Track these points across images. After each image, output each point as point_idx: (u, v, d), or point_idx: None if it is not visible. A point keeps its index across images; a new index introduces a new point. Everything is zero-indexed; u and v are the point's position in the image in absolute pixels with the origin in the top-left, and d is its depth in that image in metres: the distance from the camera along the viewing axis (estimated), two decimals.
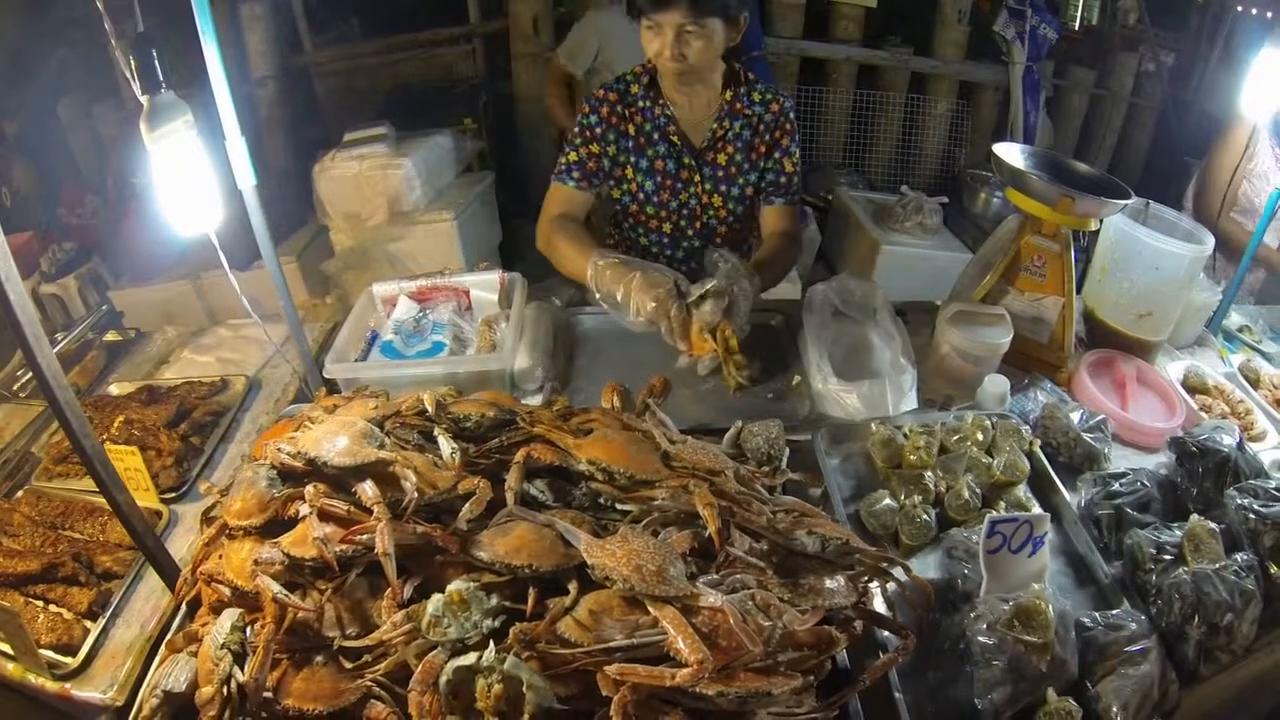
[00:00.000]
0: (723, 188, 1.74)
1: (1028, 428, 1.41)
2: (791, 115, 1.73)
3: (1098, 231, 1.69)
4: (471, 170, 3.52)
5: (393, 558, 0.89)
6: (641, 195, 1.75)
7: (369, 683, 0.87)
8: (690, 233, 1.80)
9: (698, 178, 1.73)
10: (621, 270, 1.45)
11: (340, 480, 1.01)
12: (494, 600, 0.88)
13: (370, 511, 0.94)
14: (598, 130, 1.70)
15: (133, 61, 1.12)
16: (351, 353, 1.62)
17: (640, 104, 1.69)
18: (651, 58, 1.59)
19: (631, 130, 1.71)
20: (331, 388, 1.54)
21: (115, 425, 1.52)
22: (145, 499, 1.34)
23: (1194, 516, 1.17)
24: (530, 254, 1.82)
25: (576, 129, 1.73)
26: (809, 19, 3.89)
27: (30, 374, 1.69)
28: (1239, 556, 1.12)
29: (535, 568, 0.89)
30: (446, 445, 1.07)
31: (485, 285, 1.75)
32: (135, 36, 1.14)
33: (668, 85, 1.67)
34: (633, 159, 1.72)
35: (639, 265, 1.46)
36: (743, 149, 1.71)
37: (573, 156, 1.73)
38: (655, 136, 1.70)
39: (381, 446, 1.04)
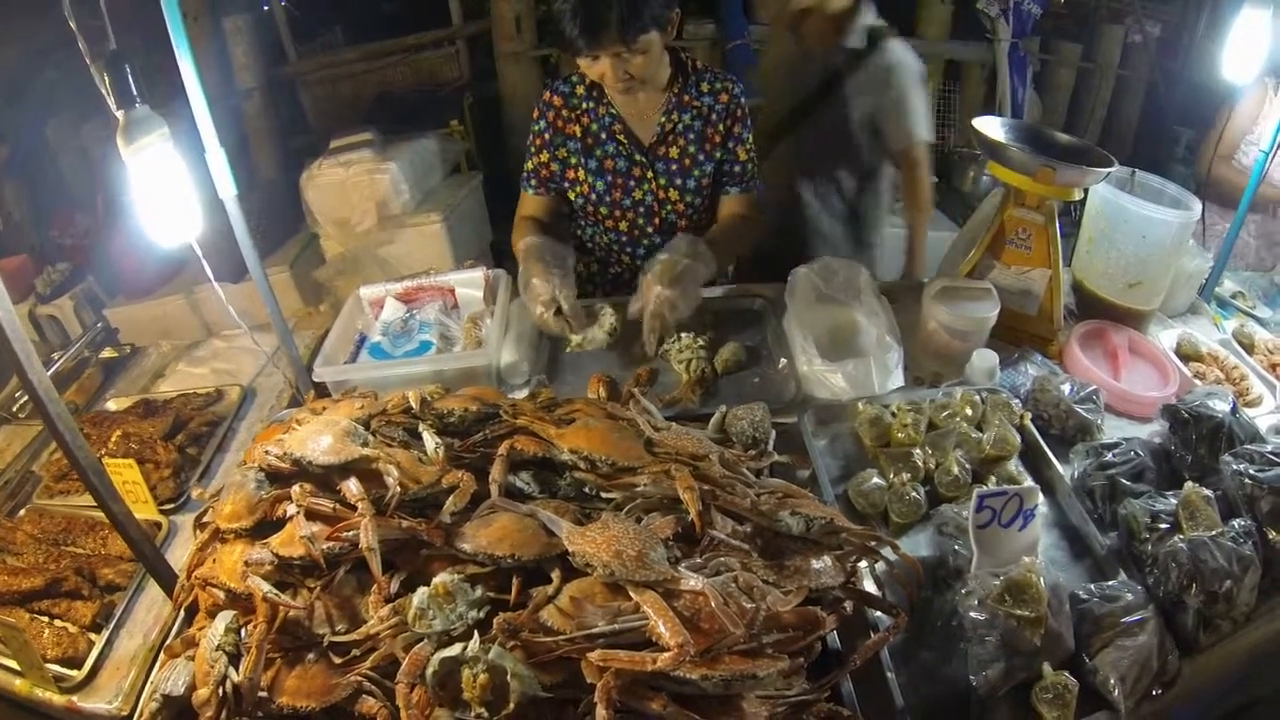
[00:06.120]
0: (678, 181, 1.73)
1: (1018, 401, 1.40)
2: (743, 101, 1.71)
3: (1083, 202, 1.68)
4: (460, 172, 3.53)
5: (378, 552, 0.90)
6: (594, 196, 1.75)
7: (359, 677, 0.88)
8: (650, 229, 1.80)
9: (650, 174, 1.72)
10: (526, 264, 1.58)
11: (326, 479, 1.03)
12: (479, 591, 0.88)
13: (355, 508, 0.95)
14: (547, 136, 1.72)
15: (107, 78, 1.13)
16: (340, 356, 1.64)
17: (585, 105, 1.69)
18: (597, 81, 1.59)
19: (578, 132, 1.71)
20: (322, 392, 1.56)
21: (113, 440, 1.54)
22: (144, 511, 1.36)
23: (1188, 484, 1.16)
24: None
25: (531, 136, 1.75)
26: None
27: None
28: (1236, 523, 1.11)
29: (518, 557, 0.90)
30: (431, 440, 1.08)
31: (470, 283, 1.76)
32: (109, 54, 1.14)
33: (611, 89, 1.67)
34: (582, 160, 1.72)
35: (532, 269, 1.55)
36: (695, 140, 1.70)
37: (530, 165, 1.77)
38: (603, 136, 1.70)
39: (365, 444, 1.05)
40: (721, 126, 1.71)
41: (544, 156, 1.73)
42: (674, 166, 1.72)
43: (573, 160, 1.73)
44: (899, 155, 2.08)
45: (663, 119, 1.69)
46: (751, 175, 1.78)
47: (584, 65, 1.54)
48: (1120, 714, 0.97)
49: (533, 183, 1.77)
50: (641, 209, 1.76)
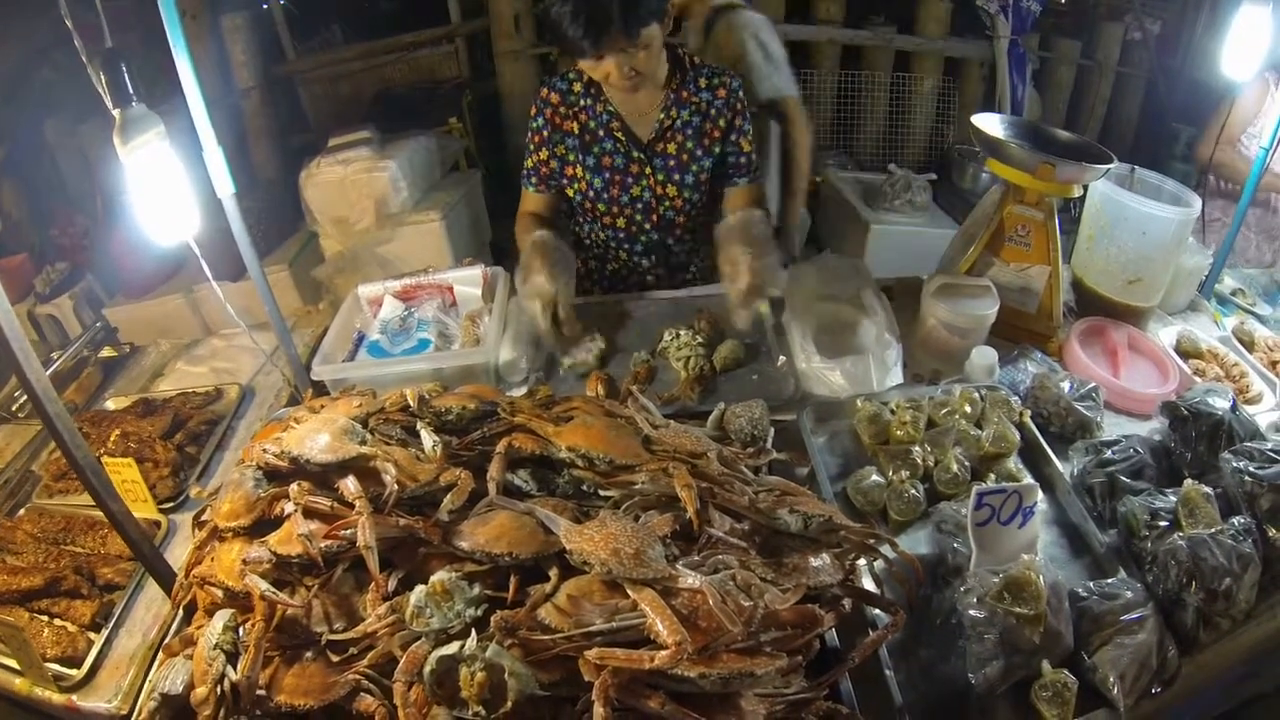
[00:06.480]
0: (676, 177, 1.73)
1: (1017, 399, 1.40)
2: (741, 94, 1.71)
3: (1083, 199, 1.67)
4: (459, 170, 3.53)
5: (375, 550, 0.90)
6: (591, 193, 1.75)
7: (357, 676, 0.88)
8: (648, 226, 1.80)
9: (649, 170, 1.72)
10: (529, 258, 1.59)
11: (324, 477, 1.03)
12: (476, 589, 0.88)
13: (353, 506, 0.95)
14: (545, 133, 1.71)
15: (103, 76, 1.13)
16: (339, 354, 1.64)
17: (583, 102, 1.69)
18: (602, 81, 1.59)
19: (576, 129, 1.70)
20: (321, 390, 1.56)
21: (112, 439, 1.54)
22: (143, 510, 1.36)
23: (1188, 481, 1.16)
24: None
25: (530, 133, 1.75)
26: (791, 2, 3.86)
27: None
28: (1236, 520, 1.10)
29: (515, 555, 0.90)
30: (428, 438, 1.08)
31: (469, 281, 1.76)
32: (105, 52, 1.14)
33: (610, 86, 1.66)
34: (580, 157, 1.72)
35: (534, 264, 1.56)
36: (694, 136, 1.70)
37: (530, 163, 1.77)
38: (601, 134, 1.70)
39: (363, 442, 1.05)
40: (722, 121, 1.70)
41: (543, 154, 1.74)
42: (672, 163, 1.72)
43: (570, 157, 1.73)
44: (771, 110, 2.19)
45: (661, 115, 1.68)
46: (756, 166, 1.78)
47: (587, 67, 1.54)
48: (1120, 712, 0.97)
49: (533, 180, 1.78)
50: (639, 205, 1.77)
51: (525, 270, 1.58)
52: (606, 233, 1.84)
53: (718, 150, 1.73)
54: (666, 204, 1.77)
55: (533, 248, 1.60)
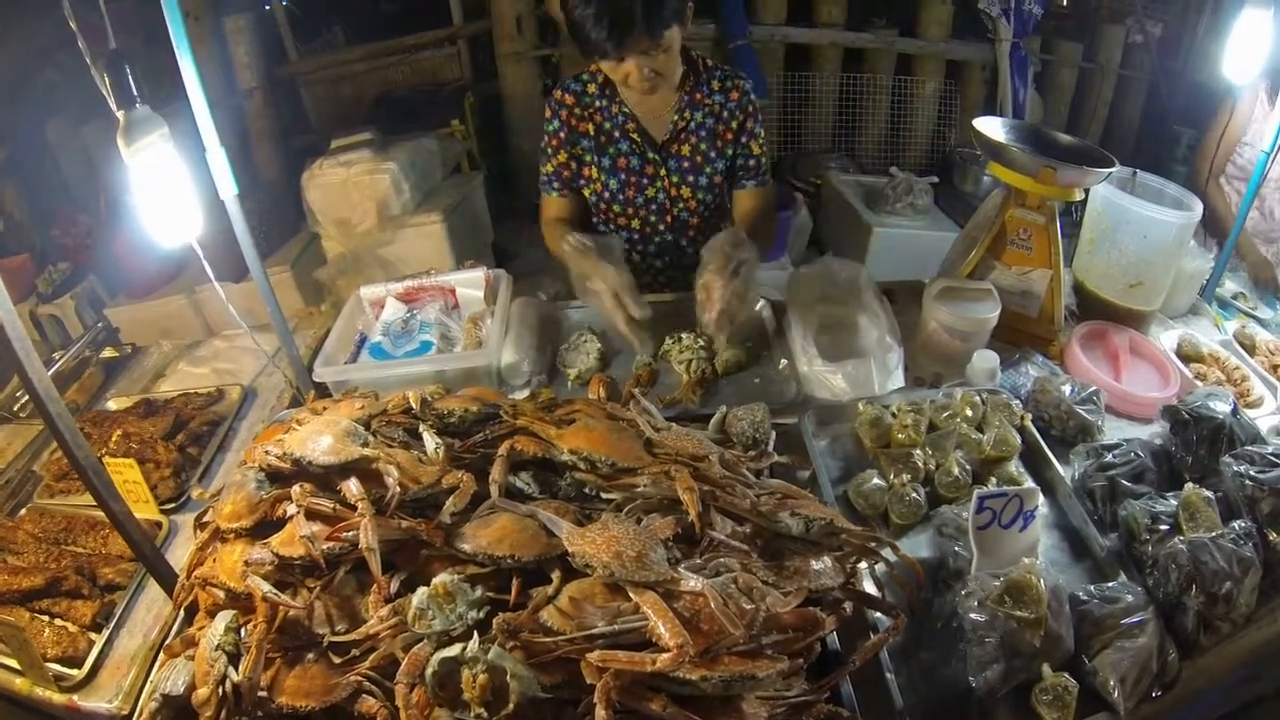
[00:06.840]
0: (690, 179, 1.74)
1: (1019, 402, 1.40)
2: (753, 96, 1.72)
3: (1084, 202, 1.67)
4: (461, 172, 3.53)
5: (377, 552, 0.90)
6: (607, 194, 1.76)
7: (359, 677, 0.88)
8: (661, 227, 1.81)
9: (663, 171, 1.73)
10: (578, 263, 1.55)
11: (326, 479, 1.03)
12: (478, 592, 0.89)
13: (355, 508, 0.95)
14: (561, 135, 1.72)
15: (107, 78, 1.13)
16: (341, 356, 1.64)
17: (598, 104, 1.69)
18: (620, 83, 1.59)
19: (591, 130, 1.71)
20: (323, 392, 1.56)
21: (113, 439, 1.54)
22: (145, 510, 1.36)
23: (1189, 485, 1.16)
24: (523, 251, 1.83)
25: (545, 137, 1.75)
26: (793, 4, 3.88)
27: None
28: (1236, 524, 1.10)
29: (517, 558, 0.90)
30: (431, 441, 1.08)
31: (471, 283, 1.76)
32: (109, 54, 1.14)
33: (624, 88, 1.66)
34: (595, 158, 1.73)
35: (589, 265, 1.53)
36: (707, 138, 1.71)
37: (549, 168, 1.76)
38: (616, 135, 1.71)
39: (365, 444, 1.05)
40: (734, 124, 1.71)
41: (561, 156, 1.74)
42: (686, 164, 1.73)
43: (587, 158, 1.74)
44: None
45: (675, 117, 1.69)
46: (766, 169, 1.78)
47: (607, 68, 1.54)
48: (1120, 715, 0.97)
49: (555, 185, 1.78)
50: (654, 207, 1.77)
51: (578, 280, 1.56)
52: (621, 234, 1.84)
53: (730, 153, 1.73)
54: (681, 205, 1.77)
55: (576, 253, 1.55)
